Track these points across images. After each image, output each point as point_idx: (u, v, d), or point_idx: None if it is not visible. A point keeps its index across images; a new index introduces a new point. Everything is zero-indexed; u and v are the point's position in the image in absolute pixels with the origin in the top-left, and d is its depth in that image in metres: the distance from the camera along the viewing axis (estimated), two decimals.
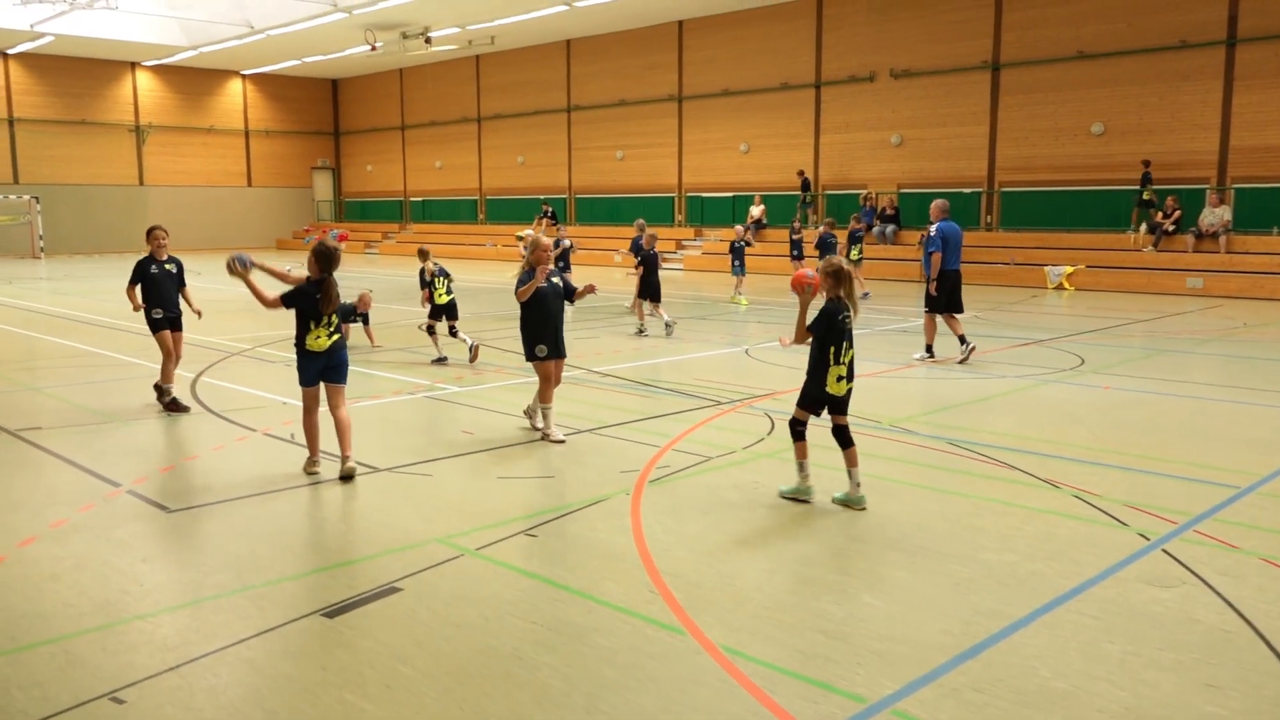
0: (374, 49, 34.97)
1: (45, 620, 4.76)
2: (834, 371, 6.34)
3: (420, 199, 43.09)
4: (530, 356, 8.32)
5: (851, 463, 6.37)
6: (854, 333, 6.48)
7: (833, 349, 6.31)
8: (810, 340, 6.39)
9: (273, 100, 45.15)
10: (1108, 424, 8.84)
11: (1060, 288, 22.41)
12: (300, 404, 7.52)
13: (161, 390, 9.73)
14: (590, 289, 8.40)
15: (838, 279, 6.30)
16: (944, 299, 12.07)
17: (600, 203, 35.55)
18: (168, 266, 9.88)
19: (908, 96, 27.45)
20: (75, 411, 9.78)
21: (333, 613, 4.80)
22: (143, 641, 4.52)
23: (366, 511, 6.40)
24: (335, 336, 7.31)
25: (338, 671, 4.21)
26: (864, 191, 28.02)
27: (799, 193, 29.15)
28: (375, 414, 9.51)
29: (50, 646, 4.48)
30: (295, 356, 7.38)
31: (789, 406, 9.43)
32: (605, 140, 35.45)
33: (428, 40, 34.30)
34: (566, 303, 8.46)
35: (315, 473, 7.28)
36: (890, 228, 26.65)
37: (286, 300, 7.32)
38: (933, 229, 12.02)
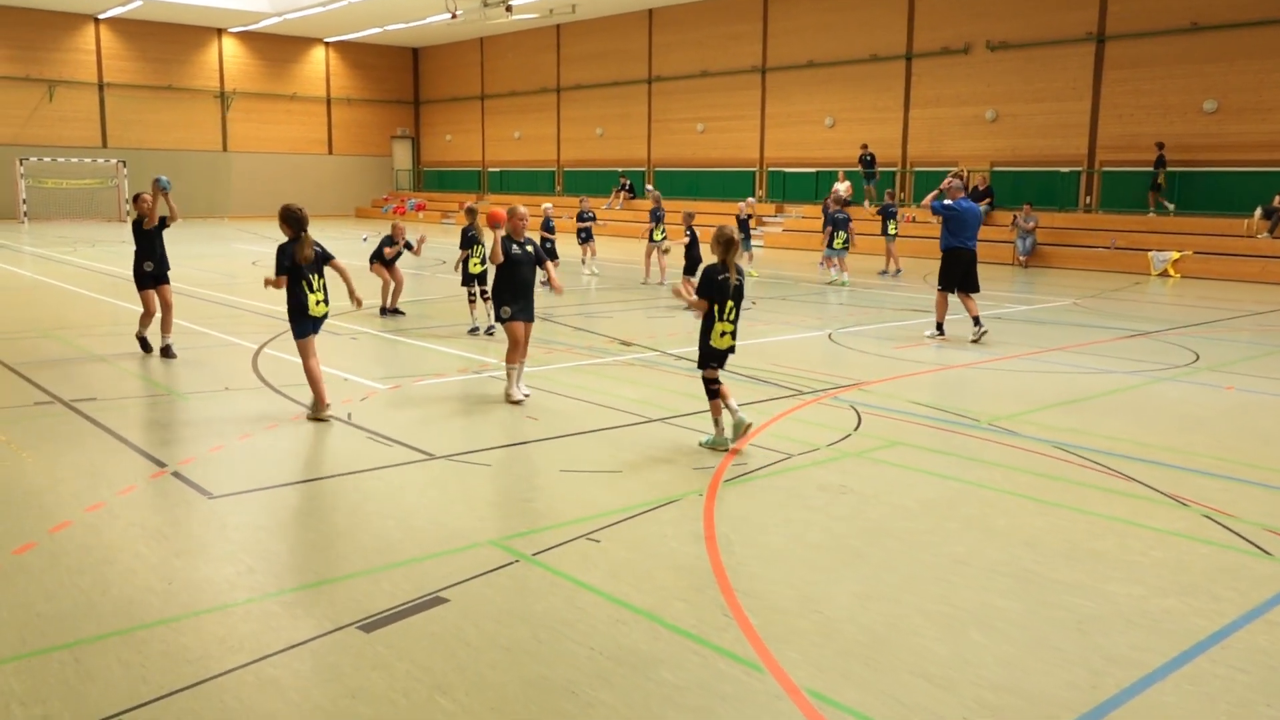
0: (454, 17, 34.57)
1: (62, 622, 4.36)
2: (719, 327, 7.09)
3: (498, 170, 42.83)
4: (498, 317, 8.74)
5: (726, 397, 7.15)
6: (745, 297, 7.26)
7: (717, 307, 7.04)
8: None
9: (354, 68, 45.20)
10: (1235, 430, 7.98)
11: (1165, 274, 21.13)
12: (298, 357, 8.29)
13: (142, 340, 10.68)
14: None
15: (726, 246, 7.06)
16: (957, 277, 12.07)
17: (679, 176, 34.82)
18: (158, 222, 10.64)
19: (1004, 70, 26.17)
20: (135, 382, 9.52)
21: (370, 625, 4.32)
22: (162, 652, 4.08)
23: (418, 505, 5.93)
24: (328, 305, 8.13)
25: (369, 700, 3.72)
26: (955, 168, 26.87)
27: (861, 169, 28.17)
28: (436, 393, 9.06)
29: (63, 653, 4.07)
30: (290, 316, 8.05)
31: (878, 399, 8.82)
32: (686, 112, 34.67)
33: (508, 8, 33.75)
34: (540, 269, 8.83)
35: (325, 419, 7.88)
36: (982, 206, 25.44)
37: (279, 267, 7.85)
38: (947, 200, 12.09)
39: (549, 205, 18.17)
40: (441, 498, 6.08)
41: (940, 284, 12.25)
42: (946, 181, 12.39)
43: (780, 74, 31.54)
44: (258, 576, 4.87)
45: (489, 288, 11.93)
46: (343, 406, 8.40)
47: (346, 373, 9.89)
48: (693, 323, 13.29)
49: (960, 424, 7.98)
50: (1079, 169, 24.82)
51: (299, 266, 7.83)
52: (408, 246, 13.65)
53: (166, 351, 10.53)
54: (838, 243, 18.78)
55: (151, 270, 10.56)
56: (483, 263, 12.43)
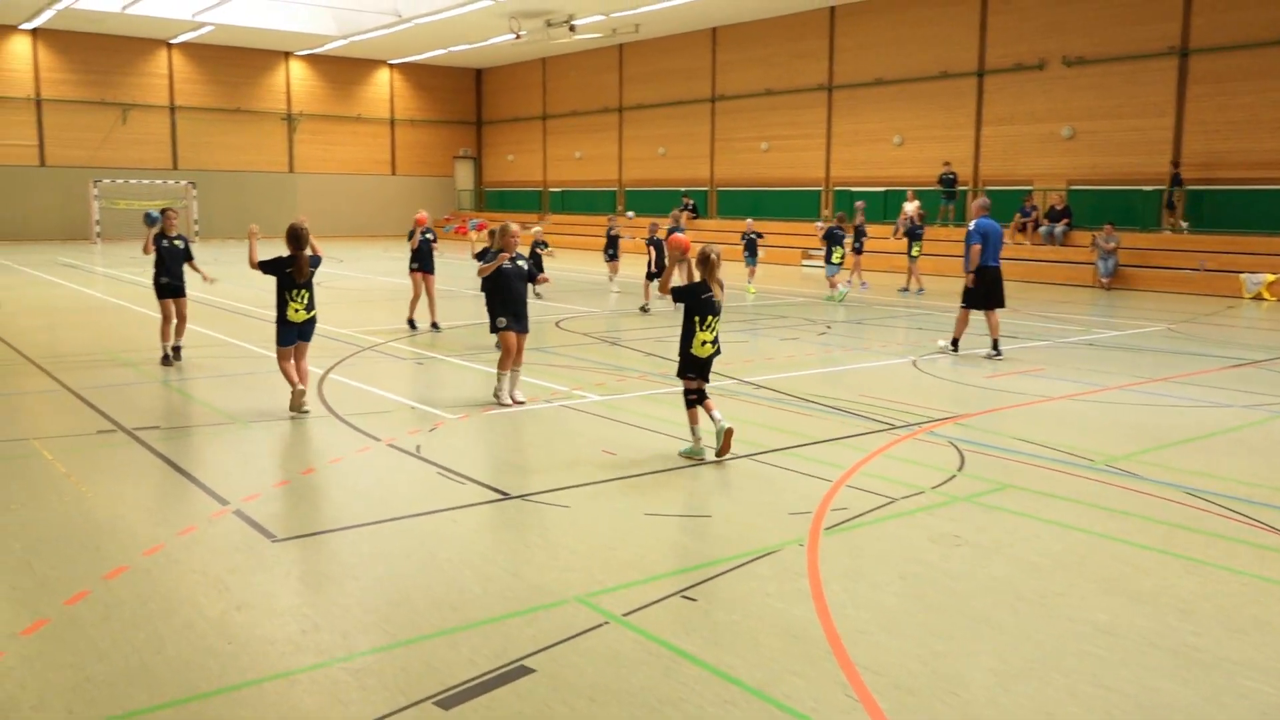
0: (518, 37, 34.57)
1: (114, 687, 3.94)
2: (699, 337, 7.47)
3: (559, 189, 42.67)
4: (493, 328, 9.27)
5: (710, 409, 7.43)
6: (723, 310, 7.62)
7: (698, 319, 7.43)
8: (676, 304, 7.52)
9: (418, 90, 45.43)
10: None
11: (1259, 298, 20.08)
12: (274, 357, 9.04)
13: (167, 353, 11.46)
14: (544, 279, 9.99)
15: (705, 265, 7.44)
16: (982, 294, 12.21)
17: (743, 196, 34.28)
18: (175, 242, 11.42)
19: (1081, 85, 25.27)
20: (198, 409, 9.22)
21: (449, 700, 3.84)
22: None
23: (495, 553, 5.46)
24: (312, 312, 8.83)
25: None
26: (1028, 188, 26.02)
27: (941, 189, 27.36)
28: (506, 424, 8.62)
29: None
30: (276, 324, 8.77)
31: (978, 434, 8.14)
32: (749, 131, 34.16)
33: (572, 28, 33.68)
34: (531, 285, 9.55)
35: (304, 407, 8.73)
36: (1059, 227, 24.57)
37: (264, 266, 8.77)
38: (971, 224, 12.16)
39: (538, 228, 19.46)
40: (520, 544, 5.60)
41: (964, 301, 12.38)
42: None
43: (847, 92, 30.91)
44: (324, 636, 4.42)
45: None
46: (410, 438, 8.00)
47: (413, 400, 9.50)
48: (773, 349, 12.81)
49: (1074, 464, 7.33)
50: (1161, 188, 23.82)
51: (289, 278, 8.69)
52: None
53: (176, 352, 11.56)
54: (835, 258, 19.38)
55: (167, 283, 11.43)
56: None
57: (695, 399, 7.49)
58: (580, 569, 5.24)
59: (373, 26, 35.65)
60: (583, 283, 23.06)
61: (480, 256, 10.42)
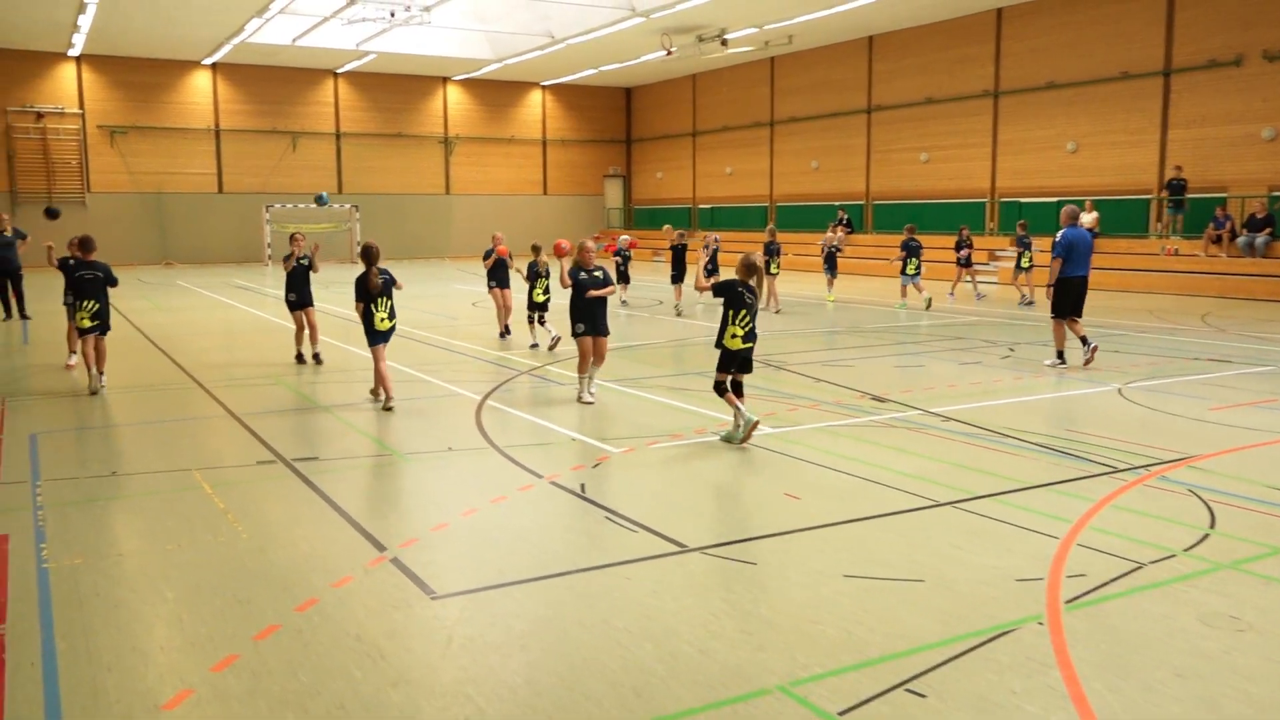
0: (669, 54, 34.14)
1: None
2: (731, 330, 8.14)
3: (709, 206, 42.03)
4: (573, 333, 10.14)
5: (731, 403, 8.21)
6: (758, 313, 8.28)
7: (731, 313, 8.12)
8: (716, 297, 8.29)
9: (569, 110, 45.64)
10: None
11: None
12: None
13: (297, 355, 13.19)
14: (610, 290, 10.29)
15: (749, 270, 8.19)
16: (1069, 304, 12.13)
17: (900, 209, 32.83)
18: (302, 261, 13.07)
19: None
20: (357, 439, 8.88)
21: None
22: None
23: (678, 621, 4.74)
24: (393, 321, 10.01)
25: None
26: (1222, 195, 23.84)
27: (1167, 196, 24.92)
28: (676, 459, 7.93)
29: None
30: (365, 330, 9.95)
31: (1222, 480, 6.83)
32: (908, 142, 32.72)
33: (724, 42, 33.02)
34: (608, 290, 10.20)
35: (384, 406, 9.90)
36: (1260, 237, 22.35)
37: (361, 298, 9.90)
38: (1059, 235, 12.11)
39: (626, 237, 22.15)
40: (705, 612, 4.87)
41: (1054, 312, 12.32)
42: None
43: (1015, 97, 29.19)
44: None
45: (547, 314, 14.21)
46: (574, 474, 7.40)
47: (574, 431, 8.93)
48: (954, 375, 11.71)
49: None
50: None
51: (369, 292, 9.83)
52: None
53: (316, 358, 13.07)
54: (910, 269, 19.71)
55: (295, 299, 13.07)
56: (545, 293, 14.19)
57: (724, 390, 8.22)
58: (779, 647, 4.46)
59: (526, 49, 35.88)
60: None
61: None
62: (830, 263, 21.45)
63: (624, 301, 21.39)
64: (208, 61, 37.56)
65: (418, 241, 42.05)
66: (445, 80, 42.53)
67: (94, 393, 10.97)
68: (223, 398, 10.72)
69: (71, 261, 11.24)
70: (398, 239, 41.51)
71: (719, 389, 8.29)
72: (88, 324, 11.09)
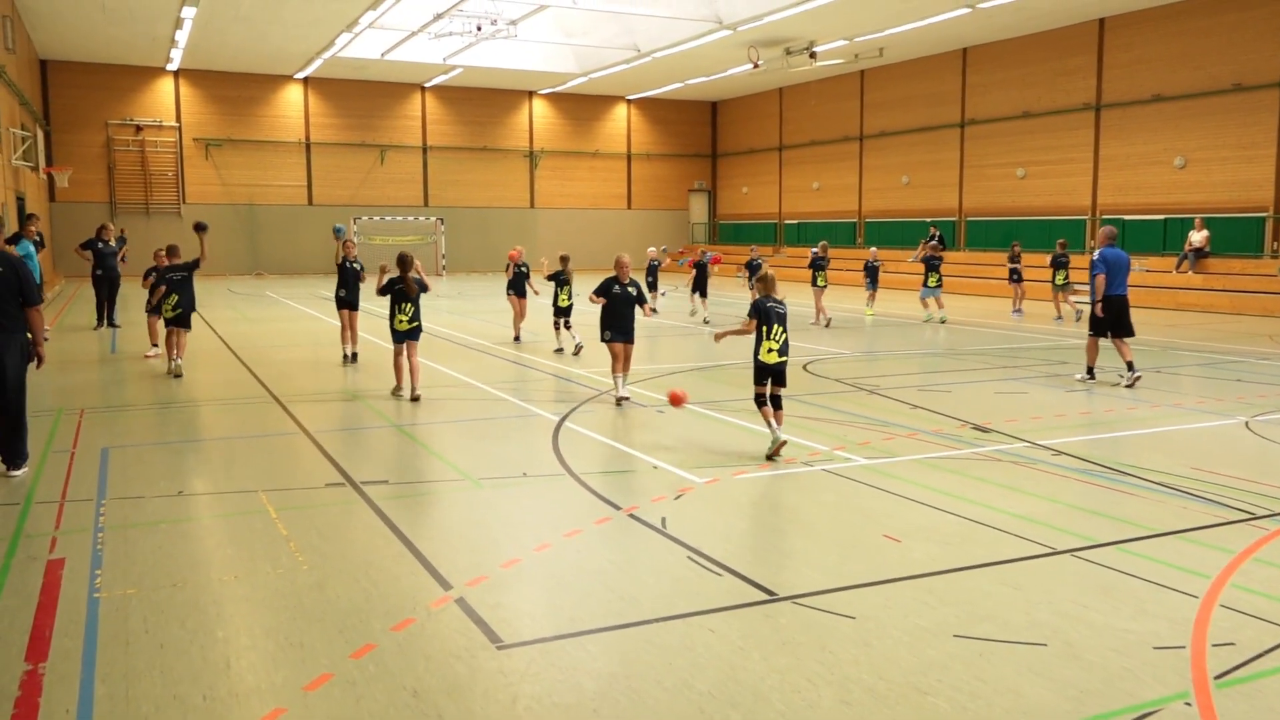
0: (756, 66, 33.63)
1: None
2: (765, 345, 8.38)
3: (795, 221, 41.34)
4: (601, 338, 11.06)
5: (778, 421, 8.38)
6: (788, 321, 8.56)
7: (764, 329, 8.38)
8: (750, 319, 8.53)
9: (654, 124, 45.42)
10: None
11: None
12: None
13: (349, 354, 14.28)
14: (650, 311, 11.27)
15: (764, 282, 8.54)
16: (1110, 322, 12.26)
17: (995, 226, 31.77)
18: (353, 264, 14.19)
19: None
20: (430, 462, 8.57)
21: None
22: None
23: (767, 684, 4.23)
24: (415, 323, 11.22)
25: None
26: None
27: None
28: (762, 493, 7.41)
29: None
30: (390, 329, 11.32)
31: None
32: (1003, 157, 31.65)
33: (812, 55, 32.38)
34: (639, 307, 11.05)
35: (401, 394, 11.30)
36: None
37: (383, 290, 11.24)
38: (1095, 254, 12.31)
39: (653, 249, 23.58)
40: (799, 675, 4.34)
41: (1091, 329, 12.51)
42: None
43: (1118, 111, 27.97)
44: None
45: (571, 319, 15.69)
46: (654, 506, 6.93)
47: (656, 458, 8.46)
48: (1061, 403, 10.94)
49: None
50: None
51: (400, 293, 11.13)
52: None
53: (354, 357, 14.24)
54: (931, 282, 20.48)
55: (344, 297, 14.20)
56: (569, 298, 15.55)
57: (763, 400, 8.47)
58: None
59: (612, 63, 35.73)
60: (853, 321, 21.66)
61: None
62: (872, 276, 22.06)
63: (654, 310, 21.69)
64: (299, 76, 38.27)
65: (502, 254, 42.14)
66: (531, 94, 42.68)
67: (177, 376, 12.89)
68: (298, 413, 10.53)
69: (160, 268, 13.69)
70: (481, 252, 41.71)
71: (759, 401, 8.52)
72: (170, 315, 13.14)
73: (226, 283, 33.86)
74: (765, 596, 5.26)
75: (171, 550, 6.05)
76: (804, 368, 13.80)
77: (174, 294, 13.07)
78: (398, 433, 9.68)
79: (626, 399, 10.91)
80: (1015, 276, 22.46)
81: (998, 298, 26.35)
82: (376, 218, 39.59)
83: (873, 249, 23.82)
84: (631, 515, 6.74)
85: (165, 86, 37.13)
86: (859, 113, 37.51)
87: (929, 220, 33.74)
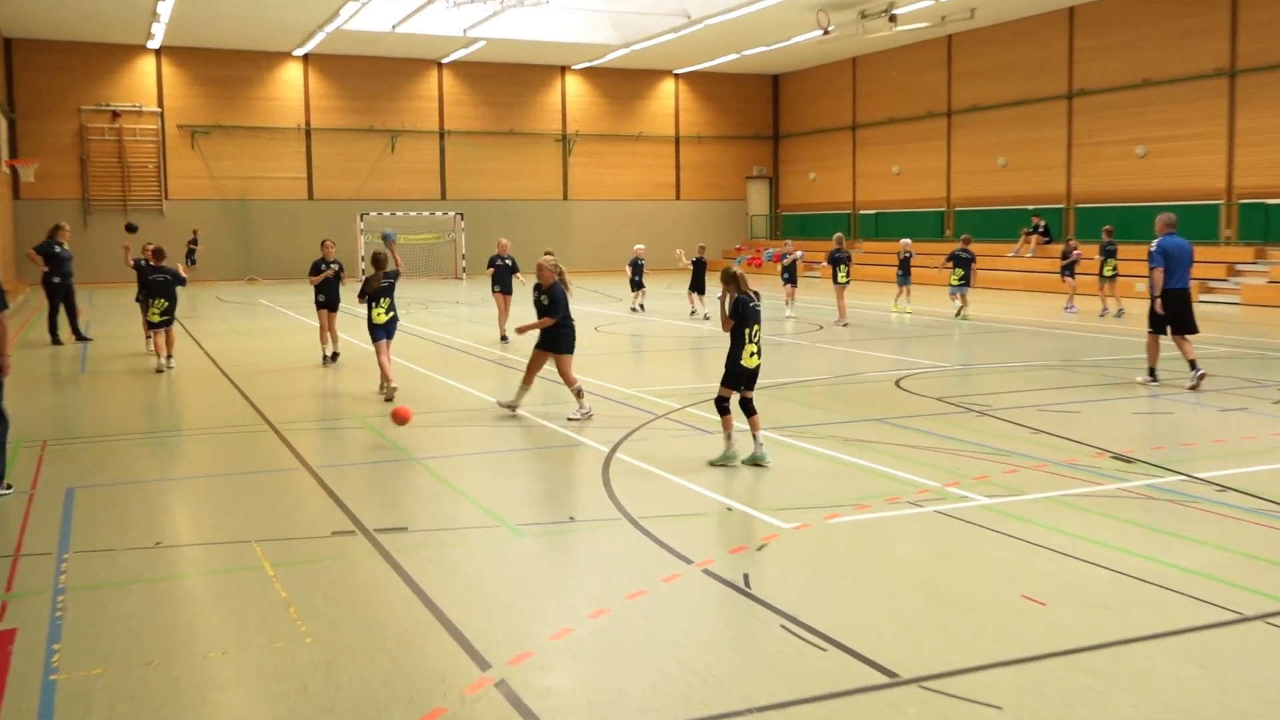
0: (826, 33, 33.19)
1: None
2: (748, 349, 8.85)
3: (872, 212, 40.74)
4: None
5: (755, 428, 8.90)
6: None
7: (746, 331, 8.84)
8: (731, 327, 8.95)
9: (706, 101, 45.08)
10: None
11: None
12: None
13: (328, 355, 15.85)
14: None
15: (735, 281, 8.91)
16: (1169, 318, 12.54)
17: (1110, 213, 30.87)
18: (333, 266, 15.48)
19: None
20: (455, 503, 8.19)
21: None
22: None
23: None
24: (391, 314, 12.62)
25: None
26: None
27: None
28: (862, 540, 6.94)
29: None
30: (367, 326, 12.67)
31: None
32: (1119, 133, 30.89)
33: (892, 19, 31.89)
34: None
35: (389, 394, 12.36)
36: None
37: (361, 296, 12.68)
38: (1153, 244, 12.57)
39: (640, 246, 25.19)
40: None
41: (1150, 326, 12.83)
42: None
43: (1257, 77, 27.16)
44: None
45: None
46: (732, 559, 6.50)
47: (728, 497, 8.02)
48: (1218, 426, 10.34)
49: None
50: None
51: (371, 291, 12.52)
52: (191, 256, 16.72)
53: (334, 358, 15.78)
54: (954, 279, 21.76)
55: (325, 300, 15.45)
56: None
57: (726, 405, 8.90)
58: None
59: (658, 32, 35.46)
60: (922, 325, 21.14)
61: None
62: (904, 269, 23.34)
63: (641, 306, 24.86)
64: (298, 52, 38.42)
65: (532, 253, 41.90)
66: (564, 69, 42.54)
67: (159, 371, 14.99)
68: (298, 444, 10.24)
69: (145, 264, 15.71)
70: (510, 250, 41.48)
71: (723, 407, 8.91)
72: (157, 319, 15.19)
73: (215, 290, 33.95)
74: (885, 679, 4.79)
75: (146, 618, 5.71)
76: (896, 384, 13.32)
77: (159, 297, 15.03)
78: (417, 467, 9.33)
79: (576, 420, 11.00)
80: (1068, 271, 23.74)
81: (1121, 297, 25.63)
82: (387, 213, 39.54)
83: (904, 240, 25.01)
84: (706, 571, 6.30)
85: (146, 66, 37.44)
86: (946, 84, 36.93)
87: (1031, 209, 33.04)
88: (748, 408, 8.93)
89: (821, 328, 20.45)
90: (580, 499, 8.11)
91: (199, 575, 6.49)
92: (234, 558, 6.76)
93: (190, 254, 32.43)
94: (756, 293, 8.97)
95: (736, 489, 8.31)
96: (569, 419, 11.07)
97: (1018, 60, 34.00)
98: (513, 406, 11.52)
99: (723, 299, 8.99)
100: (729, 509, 7.74)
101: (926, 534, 7.10)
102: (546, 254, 16.50)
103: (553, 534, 7.25)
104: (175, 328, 15.61)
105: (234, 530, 7.37)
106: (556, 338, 11.27)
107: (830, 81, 42.72)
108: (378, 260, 12.66)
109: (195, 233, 34.30)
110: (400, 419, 10.27)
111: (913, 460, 9.13)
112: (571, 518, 7.58)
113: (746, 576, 6.19)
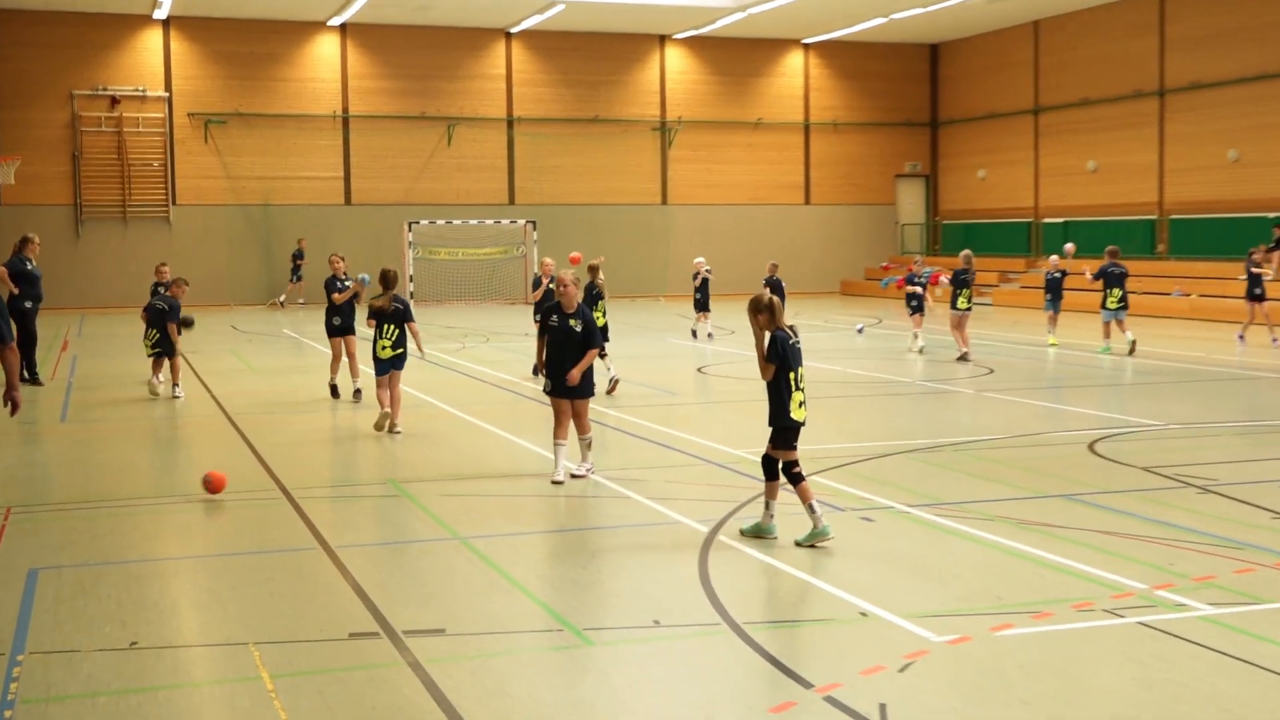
0: None
1: None
2: (795, 398, 9.23)
3: (1060, 220, 40.25)
4: (543, 389, 12.18)
5: (807, 497, 9.18)
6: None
7: (791, 375, 9.21)
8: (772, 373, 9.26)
9: (844, 79, 45.19)
10: None
11: None
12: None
13: (332, 387, 17.36)
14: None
15: (771, 312, 9.22)
16: None
17: None
18: (356, 280, 17.03)
19: None
20: (509, 598, 8.20)
21: None
22: None
23: None
24: (399, 350, 14.21)
25: None
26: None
27: None
28: (1046, 659, 6.75)
29: None
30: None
31: None
32: None
33: None
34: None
35: (395, 428, 14.23)
36: None
37: (370, 316, 14.21)
38: None
39: (700, 259, 27.28)
40: None
41: None
42: None
43: None
44: None
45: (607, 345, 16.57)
46: (866, 682, 6.34)
47: (860, 597, 7.87)
48: None
49: None
50: None
51: (380, 317, 14.03)
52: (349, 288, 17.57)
53: (356, 395, 17.03)
54: (1111, 301, 22.36)
55: (339, 324, 16.90)
56: (603, 315, 17.44)
57: (798, 474, 9.14)
58: None
59: None
60: (1133, 369, 20.74)
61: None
62: (1054, 292, 24.25)
63: (706, 333, 27.12)
64: (334, 22, 39.48)
65: (621, 273, 42.01)
66: (663, 39, 43.05)
67: (154, 394, 17.56)
68: (315, 515, 10.46)
69: (155, 286, 18.55)
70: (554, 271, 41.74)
71: (771, 470, 9.24)
72: (149, 352, 17.63)
73: (231, 316, 34.70)
74: None
75: None
76: (1090, 447, 13.03)
77: (152, 326, 17.28)
78: (461, 548, 9.43)
79: (580, 476, 11.59)
80: (1257, 293, 24.35)
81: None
82: (441, 221, 40.17)
83: (1053, 257, 25.91)
84: (829, 699, 6.16)
85: (151, 42, 38.78)
86: (1158, 55, 36.70)
87: (1272, 216, 32.29)
88: (793, 474, 9.15)
89: (993, 371, 20.15)
90: (668, 596, 8.10)
91: (179, 688, 6.55)
92: (226, 665, 6.87)
93: (296, 269, 34.74)
94: (793, 327, 9.28)
95: (873, 586, 8.23)
96: (573, 475, 11.58)
97: (1249, 24, 33.74)
98: (575, 475, 11.73)
99: (758, 339, 9.15)
100: (863, 614, 7.62)
101: (1128, 654, 6.93)
102: (545, 261, 17.57)
103: (631, 643, 7.27)
104: (180, 359, 17.76)
105: (228, 629, 7.50)
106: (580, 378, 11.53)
107: (1004, 53, 42.72)
108: (386, 279, 14.25)
109: (300, 243, 36.59)
110: (212, 487, 10.81)
111: (1111, 553, 9.03)
112: (656, 621, 7.55)
113: (884, 708, 6.04)
